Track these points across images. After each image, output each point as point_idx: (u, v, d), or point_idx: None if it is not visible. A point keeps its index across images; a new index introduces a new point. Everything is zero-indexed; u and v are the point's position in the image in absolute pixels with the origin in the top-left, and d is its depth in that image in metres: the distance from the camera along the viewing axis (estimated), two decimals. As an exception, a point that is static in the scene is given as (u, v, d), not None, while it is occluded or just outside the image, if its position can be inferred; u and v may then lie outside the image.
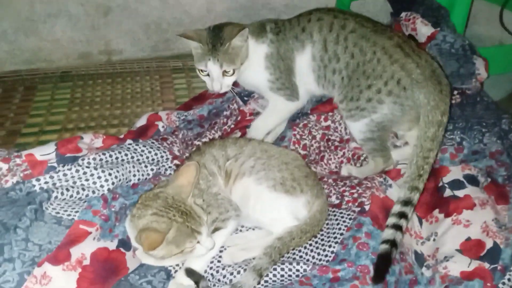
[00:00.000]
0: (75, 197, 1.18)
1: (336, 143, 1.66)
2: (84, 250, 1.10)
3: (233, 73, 1.51)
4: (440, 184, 1.46)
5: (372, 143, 1.51)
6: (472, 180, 1.45)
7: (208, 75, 1.52)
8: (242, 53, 1.53)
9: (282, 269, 1.19)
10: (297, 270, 1.19)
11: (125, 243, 1.19)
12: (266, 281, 1.19)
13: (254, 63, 1.57)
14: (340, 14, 1.53)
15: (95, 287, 1.08)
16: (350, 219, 1.31)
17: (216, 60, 1.48)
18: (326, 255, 1.25)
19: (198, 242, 1.15)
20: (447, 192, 1.43)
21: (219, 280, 1.20)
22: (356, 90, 1.46)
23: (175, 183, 1.19)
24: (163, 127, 1.68)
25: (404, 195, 1.30)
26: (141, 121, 1.75)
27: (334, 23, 1.50)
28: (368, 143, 1.51)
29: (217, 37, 1.48)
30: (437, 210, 1.41)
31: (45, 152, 1.25)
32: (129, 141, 1.48)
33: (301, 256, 1.26)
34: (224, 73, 1.51)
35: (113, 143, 1.42)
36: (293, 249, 1.26)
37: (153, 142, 1.49)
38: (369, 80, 1.43)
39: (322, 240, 1.29)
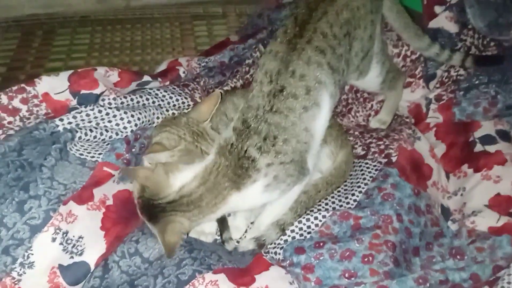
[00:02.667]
0: (99, 138, 1.17)
1: (365, 95, 1.59)
2: (106, 191, 1.10)
3: None
4: (471, 139, 1.40)
5: (390, 73, 1.43)
6: (504, 135, 1.39)
7: None
8: None
9: (300, 221, 1.17)
10: (316, 218, 1.17)
11: None
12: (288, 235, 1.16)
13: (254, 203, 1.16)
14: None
15: (118, 227, 1.08)
16: (376, 170, 1.28)
17: None
18: (348, 203, 1.23)
19: None
20: (478, 147, 1.38)
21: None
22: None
23: (196, 109, 1.20)
24: (183, 72, 1.64)
25: None
26: (161, 67, 1.71)
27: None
28: (388, 75, 1.42)
29: None
30: (466, 165, 1.37)
31: (59, 90, 1.22)
32: (150, 85, 1.44)
33: (321, 206, 1.24)
34: None
35: (130, 78, 1.38)
36: (318, 202, 1.24)
37: (174, 88, 1.45)
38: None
39: (345, 190, 1.27)
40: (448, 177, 1.39)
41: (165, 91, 1.39)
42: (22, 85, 1.18)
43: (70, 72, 1.25)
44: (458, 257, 1.14)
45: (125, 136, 1.19)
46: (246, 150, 1.07)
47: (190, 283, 1.00)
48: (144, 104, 1.32)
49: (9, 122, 1.16)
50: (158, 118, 1.29)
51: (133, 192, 1.11)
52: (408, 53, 1.59)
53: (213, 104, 1.19)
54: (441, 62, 1.54)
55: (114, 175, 1.13)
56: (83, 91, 1.23)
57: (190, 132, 1.13)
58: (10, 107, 1.16)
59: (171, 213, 1.05)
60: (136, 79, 1.40)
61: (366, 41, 1.28)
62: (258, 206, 1.17)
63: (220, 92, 1.51)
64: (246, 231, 1.23)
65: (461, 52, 1.53)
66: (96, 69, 1.29)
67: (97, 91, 1.25)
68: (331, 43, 1.15)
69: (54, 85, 1.21)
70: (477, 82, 1.50)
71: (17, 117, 1.18)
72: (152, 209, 1.06)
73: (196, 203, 1.06)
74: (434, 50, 1.50)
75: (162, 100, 1.38)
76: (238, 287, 0.99)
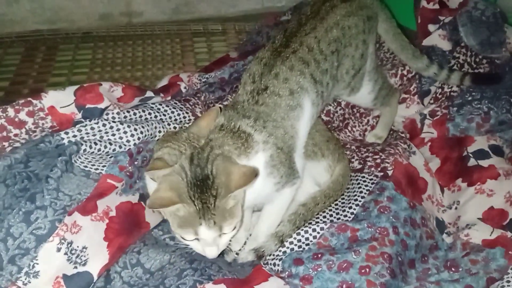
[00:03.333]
0: (103, 151, 1.20)
1: (362, 110, 1.64)
2: (109, 203, 1.13)
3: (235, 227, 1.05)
4: (465, 153, 1.44)
5: (382, 90, 1.47)
6: (497, 150, 1.43)
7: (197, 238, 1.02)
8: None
9: (298, 233, 1.20)
10: (314, 230, 1.20)
11: (144, 198, 1.22)
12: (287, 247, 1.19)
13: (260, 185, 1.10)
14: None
15: (121, 238, 1.11)
16: (372, 183, 1.31)
17: (212, 223, 0.98)
18: (346, 215, 1.25)
19: None
20: (471, 162, 1.41)
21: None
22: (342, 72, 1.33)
23: (196, 124, 1.21)
24: (185, 88, 1.68)
25: None
26: (163, 82, 1.75)
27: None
28: (380, 92, 1.47)
29: (207, 188, 0.99)
30: (460, 179, 1.40)
31: (65, 104, 1.25)
32: (152, 100, 1.48)
33: (318, 219, 1.26)
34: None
35: (133, 93, 1.41)
36: (316, 214, 1.27)
37: (175, 103, 1.49)
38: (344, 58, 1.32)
39: (342, 203, 1.30)
40: (442, 191, 1.42)
41: (167, 106, 1.43)
42: (29, 98, 1.22)
43: (76, 86, 1.28)
44: (453, 269, 1.17)
45: (128, 149, 1.23)
46: (239, 127, 1.10)
47: (191, 293, 1.02)
48: (146, 118, 1.36)
49: (15, 135, 1.19)
50: (160, 132, 1.32)
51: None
52: (405, 72, 1.64)
53: (213, 118, 1.21)
54: (439, 81, 1.59)
55: (117, 187, 1.15)
56: (88, 105, 1.27)
57: (191, 148, 1.16)
58: (16, 119, 1.19)
59: None
60: (139, 94, 1.44)
61: (357, 59, 1.32)
62: (262, 194, 1.14)
63: (220, 107, 1.55)
64: (245, 243, 1.25)
65: (459, 71, 1.57)
66: (101, 84, 1.33)
67: (102, 105, 1.28)
68: (316, 57, 1.20)
69: (60, 99, 1.24)
70: (470, 98, 1.54)
71: (23, 130, 1.21)
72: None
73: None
74: (432, 70, 1.55)
75: (164, 115, 1.41)
76: None
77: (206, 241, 1.00)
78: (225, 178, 0.98)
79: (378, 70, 1.47)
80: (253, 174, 0.98)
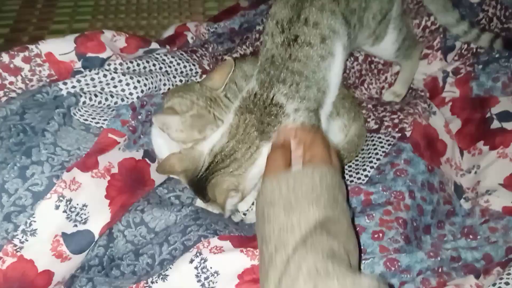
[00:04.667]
0: (104, 104, 1.13)
1: (380, 66, 1.53)
2: (111, 159, 1.07)
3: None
4: (488, 115, 1.35)
5: (406, 41, 1.36)
6: (523, 112, 1.34)
7: None
8: None
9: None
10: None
11: (149, 154, 1.16)
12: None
13: None
14: None
15: (123, 196, 1.05)
16: (389, 144, 1.24)
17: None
18: (359, 178, 1.19)
19: None
20: (495, 124, 1.32)
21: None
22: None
23: (209, 77, 1.17)
24: (192, 38, 1.58)
25: None
26: (169, 32, 1.65)
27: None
28: (404, 43, 1.36)
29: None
30: (481, 142, 1.32)
31: (64, 51, 1.16)
32: (157, 51, 1.39)
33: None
34: None
35: (137, 44, 1.32)
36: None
37: (182, 54, 1.40)
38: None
39: (356, 165, 1.23)
40: (462, 154, 1.34)
41: (173, 57, 1.34)
42: (26, 45, 1.13)
43: (76, 34, 1.19)
44: (470, 236, 1.11)
45: (131, 103, 1.15)
46: (272, 98, 1.04)
47: (195, 247, 0.97)
48: (150, 70, 1.28)
49: (11, 83, 1.11)
50: (165, 84, 1.25)
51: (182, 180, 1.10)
52: (428, 23, 1.51)
53: (226, 72, 1.14)
54: (466, 40, 1.47)
55: (119, 142, 1.09)
56: (89, 54, 1.18)
57: (203, 98, 1.10)
58: (11, 66, 1.11)
59: (212, 176, 1.03)
60: (143, 45, 1.35)
61: (385, 2, 1.22)
62: None
63: (234, 59, 1.46)
64: (253, 203, 1.20)
65: (490, 33, 1.45)
66: (103, 32, 1.23)
67: (103, 55, 1.20)
68: None
69: (59, 46, 1.16)
70: (497, 55, 1.43)
71: (19, 77, 1.12)
72: (199, 186, 1.05)
73: (231, 156, 1.03)
74: (462, 28, 1.43)
75: (170, 66, 1.33)
76: (245, 249, 0.95)
77: None
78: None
79: (403, 18, 1.36)
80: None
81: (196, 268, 0.93)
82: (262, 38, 1.23)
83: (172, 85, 1.31)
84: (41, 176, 0.94)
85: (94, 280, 0.98)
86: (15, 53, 1.11)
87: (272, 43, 1.07)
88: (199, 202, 1.14)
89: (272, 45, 1.07)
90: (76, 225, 0.97)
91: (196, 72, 1.38)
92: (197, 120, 1.07)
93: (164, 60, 1.32)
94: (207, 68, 1.42)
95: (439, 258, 1.02)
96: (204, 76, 1.41)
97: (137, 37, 1.41)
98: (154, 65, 1.29)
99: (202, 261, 0.93)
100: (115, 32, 1.29)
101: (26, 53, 1.12)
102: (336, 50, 1.09)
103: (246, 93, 1.07)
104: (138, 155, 1.13)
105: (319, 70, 1.07)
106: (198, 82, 1.17)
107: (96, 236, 1.00)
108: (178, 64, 1.34)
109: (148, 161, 1.15)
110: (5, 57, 1.10)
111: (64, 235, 0.95)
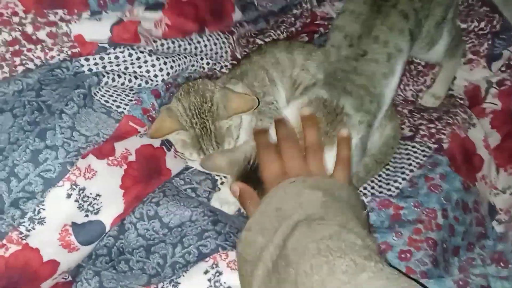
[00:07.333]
0: (127, 85, 1.05)
1: (420, 68, 1.43)
2: (129, 146, 1.00)
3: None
4: (530, 130, 1.27)
5: (454, 40, 1.30)
6: None
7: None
8: None
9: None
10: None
11: (167, 141, 1.09)
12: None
13: None
14: None
15: (139, 186, 0.98)
16: (424, 156, 1.16)
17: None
18: (390, 189, 1.11)
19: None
20: (537, 141, 1.24)
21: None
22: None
23: (227, 96, 1.08)
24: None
25: None
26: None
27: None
28: (452, 43, 1.30)
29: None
30: (521, 160, 1.24)
31: (97, 38, 1.06)
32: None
33: (359, 190, 1.12)
34: None
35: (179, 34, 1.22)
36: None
37: (219, 34, 1.30)
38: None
39: (387, 175, 1.15)
40: (497, 171, 1.26)
41: (208, 40, 1.25)
42: (55, 19, 1.03)
43: (114, 19, 1.08)
44: (501, 264, 1.05)
45: (155, 87, 1.07)
46: (343, 107, 1.00)
47: (212, 257, 0.91)
48: (184, 49, 1.20)
49: (29, 50, 1.01)
50: (193, 65, 1.18)
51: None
52: (476, 29, 1.42)
53: (242, 109, 1.07)
54: None
55: (139, 132, 1.02)
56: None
57: (202, 126, 1.08)
58: (33, 37, 1.01)
59: None
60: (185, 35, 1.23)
61: (446, 5, 1.18)
62: None
63: (260, 44, 1.36)
64: None
65: None
66: (140, 22, 1.13)
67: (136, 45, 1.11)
68: (415, 6, 1.07)
69: (93, 30, 1.05)
70: (546, 71, 1.34)
71: (39, 46, 1.02)
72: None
73: None
74: None
75: (202, 50, 1.24)
76: None
77: None
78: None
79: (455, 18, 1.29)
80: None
81: (209, 280, 0.87)
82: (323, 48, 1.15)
83: (199, 67, 1.23)
84: (54, 162, 0.87)
85: (102, 275, 0.92)
86: (42, 25, 1.01)
87: (337, 54, 1.06)
88: (214, 201, 1.07)
89: (337, 57, 1.06)
90: (87, 215, 0.91)
91: (226, 59, 1.29)
92: (185, 141, 1.08)
93: (199, 41, 1.23)
94: (239, 57, 1.33)
95: (468, 288, 0.96)
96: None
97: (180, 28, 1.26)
98: (185, 49, 1.20)
99: (217, 274, 0.88)
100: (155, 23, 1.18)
101: (54, 29, 1.02)
102: (397, 69, 1.07)
103: (316, 96, 1.01)
104: (156, 142, 1.06)
105: (380, 86, 1.04)
106: (220, 90, 1.10)
107: (108, 228, 0.93)
108: (211, 49, 1.26)
109: (165, 149, 1.08)
110: (29, 28, 1.00)
111: (74, 225, 0.89)
